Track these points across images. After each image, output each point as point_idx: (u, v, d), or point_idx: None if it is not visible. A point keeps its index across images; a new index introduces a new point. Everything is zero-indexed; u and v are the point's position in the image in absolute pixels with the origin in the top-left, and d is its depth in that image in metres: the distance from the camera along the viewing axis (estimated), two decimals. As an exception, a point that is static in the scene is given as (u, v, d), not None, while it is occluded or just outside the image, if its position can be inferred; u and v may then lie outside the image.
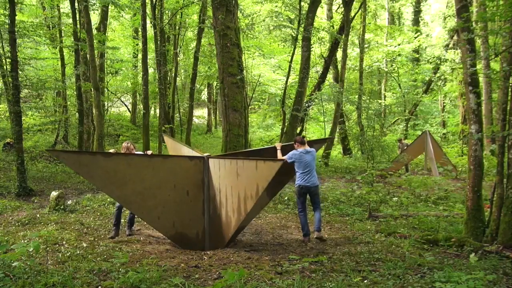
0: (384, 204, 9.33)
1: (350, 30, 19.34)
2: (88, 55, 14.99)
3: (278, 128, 24.51)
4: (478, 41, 14.13)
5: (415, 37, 25.04)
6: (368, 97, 18.55)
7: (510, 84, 5.92)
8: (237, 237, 6.44)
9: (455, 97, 23.46)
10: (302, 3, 18.37)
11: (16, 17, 10.77)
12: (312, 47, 18.30)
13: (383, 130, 22.81)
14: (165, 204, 5.72)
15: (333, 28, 20.80)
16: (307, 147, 6.46)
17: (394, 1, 30.67)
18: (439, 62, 22.13)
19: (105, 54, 19.69)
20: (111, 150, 6.44)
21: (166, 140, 8.92)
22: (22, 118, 11.41)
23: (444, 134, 24.01)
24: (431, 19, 34.14)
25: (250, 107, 24.46)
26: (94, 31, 16.50)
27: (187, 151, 7.28)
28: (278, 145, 6.73)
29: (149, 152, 6.00)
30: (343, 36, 17.50)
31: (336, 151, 22.49)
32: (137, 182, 5.52)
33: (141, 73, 17.14)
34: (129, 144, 6.63)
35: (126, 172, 5.46)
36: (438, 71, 23.06)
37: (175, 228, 5.80)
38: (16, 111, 10.21)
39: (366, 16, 23.40)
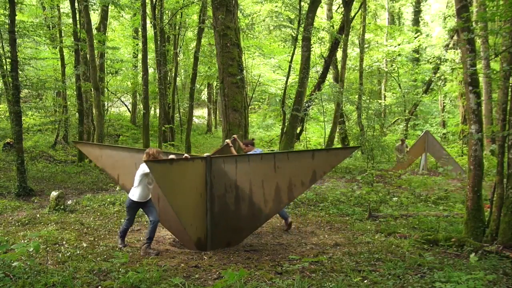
0: (384, 204, 9.32)
1: (350, 30, 19.36)
2: (88, 55, 15.00)
3: (278, 128, 24.51)
4: (478, 41, 14.12)
5: (415, 37, 25.06)
6: (368, 97, 18.55)
7: (510, 84, 5.92)
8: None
9: (455, 97, 23.47)
10: (302, 3, 18.38)
11: (16, 17, 10.76)
12: (312, 47, 18.31)
13: (383, 130, 22.82)
14: (194, 210, 5.73)
15: (333, 28, 20.82)
16: (257, 149, 6.98)
17: (394, 1, 30.69)
18: (439, 62, 22.14)
19: (105, 54, 19.69)
20: (171, 156, 5.81)
21: (83, 149, 7.87)
22: (22, 118, 11.40)
23: (444, 134, 24.01)
24: (431, 19, 34.15)
25: (250, 107, 24.47)
26: (94, 31, 16.51)
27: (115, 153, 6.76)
28: (228, 141, 7.08)
29: (187, 155, 5.83)
30: (343, 36, 17.51)
31: (336, 151, 22.44)
32: (186, 188, 5.55)
33: (141, 73, 17.16)
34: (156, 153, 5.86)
35: (180, 179, 5.47)
36: (438, 71, 23.06)
37: (196, 233, 5.78)
38: (16, 111, 10.21)
39: (366, 16, 23.42)
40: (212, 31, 13.69)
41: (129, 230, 7.07)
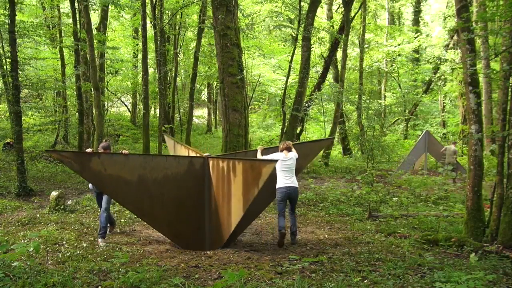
0: (384, 204, 9.32)
1: (350, 30, 19.34)
2: (88, 55, 14.98)
3: (278, 128, 24.51)
4: (478, 41, 14.13)
5: (415, 37, 25.06)
6: (368, 97, 18.56)
7: (510, 84, 5.93)
8: (237, 237, 6.44)
9: (455, 97, 23.46)
10: (302, 3, 18.38)
11: (16, 17, 10.75)
12: (312, 47, 18.31)
13: (383, 130, 22.82)
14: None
15: (333, 28, 20.80)
16: None
17: (394, 1, 30.68)
18: (439, 62, 22.14)
19: (105, 54, 19.68)
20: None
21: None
22: (22, 118, 11.40)
23: (444, 134, 24.01)
24: (431, 19, 34.15)
25: (250, 107, 24.45)
26: (94, 31, 16.49)
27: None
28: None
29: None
30: (343, 36, 17.50)
31: (336, 151, 22.50)
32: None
33: (141, 73, 17.15)
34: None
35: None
36: (438, 71, 23.07)
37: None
38: (16, 111, 10.21)
39: (366, 16, 23.41)
40: (212, 31, 13.69)
41: (129, 230, 7.08)
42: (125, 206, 6.02)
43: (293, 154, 6.26)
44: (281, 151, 6.27)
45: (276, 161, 5.53)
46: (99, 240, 6.02)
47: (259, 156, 6.54)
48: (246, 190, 5.41)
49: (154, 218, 5.81)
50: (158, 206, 5.74)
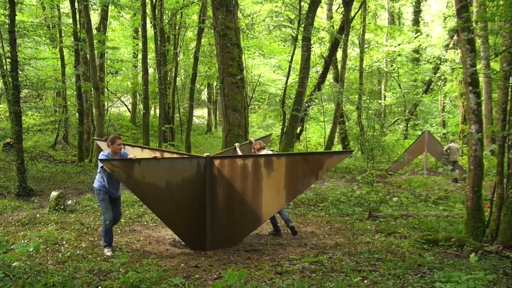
0: (384, 204, 9.32)
1: (350, 30, 19.35)
2: (88, 55, 15.00)
3: (278, 128, 24.51)
4: (478, 41, 14.12)
5: (415, 37, 25.07)
6: (368, 97, 18.56)
7: (510, 84, 5.93)
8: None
9: (455, 97, 23.47)
10: (302, 3, 18.38)
11: (16, 17, 10.76)
12: (312, 47, 18.31)
13: (383, 130, 22.82)
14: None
15: (333, 28, 20.82)
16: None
17: (394, 1, 30.69)
18: (439, 62, 22.14)
19: (105, 54, 19.68)
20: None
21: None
22: (22, 118, 11.40)
23: (444, 134, 24.00)
24: (431, 19, 34.16)
25: (250, 107, 24.46)
26: (94, 31, 16.50)
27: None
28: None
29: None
30: (343, 36, 17.50)
31: (336, 151, 22.47)
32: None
33: (141, 73, 17.16)
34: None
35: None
36: (438, 71, 23.07)
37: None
38: (16, 111, 10.21)
39: (366, 16, 23.42)
40: (212, 31, 13.69)
41: (129, 230, 7.09)
42: (157, 215, 5.85)
43: (268, 151, 6.79)
44: (258, 151, 6.62)
45: (350, 151, 7.25)
46: (107, 248, 5.55)
47: (239, 152, 6.88)
48: (294, 182, 5.55)
49: (177, 223, 5.74)
50: (179, 210, 5.70)
